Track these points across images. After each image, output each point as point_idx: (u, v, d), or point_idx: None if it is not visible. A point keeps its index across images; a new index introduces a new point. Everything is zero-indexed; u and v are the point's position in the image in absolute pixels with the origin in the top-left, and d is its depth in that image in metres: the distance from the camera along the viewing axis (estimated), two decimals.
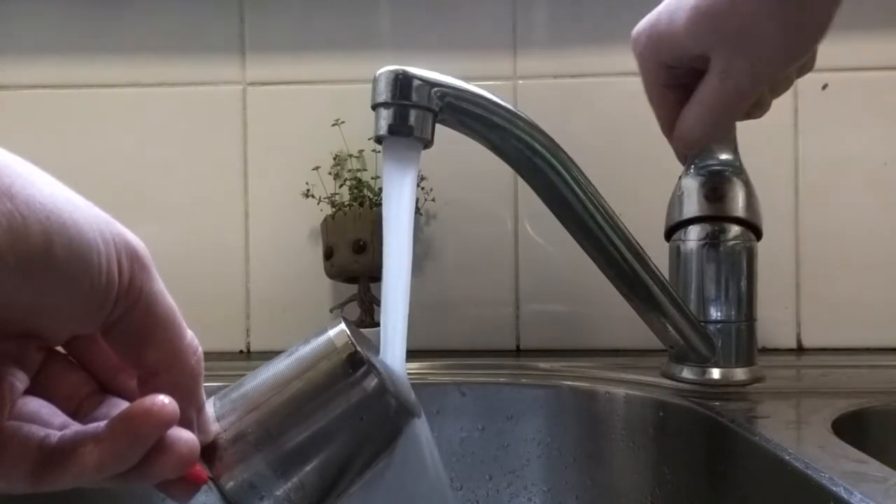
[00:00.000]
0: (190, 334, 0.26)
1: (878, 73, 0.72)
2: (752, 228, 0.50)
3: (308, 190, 0.72)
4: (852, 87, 0.71)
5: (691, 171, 0.51)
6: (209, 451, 0.28)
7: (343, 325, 0.30)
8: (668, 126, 0.48)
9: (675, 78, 0.46)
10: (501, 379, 0.59)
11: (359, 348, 0.29)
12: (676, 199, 0.51)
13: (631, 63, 0.71)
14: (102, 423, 0.25)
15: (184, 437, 0.25)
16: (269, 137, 0.75)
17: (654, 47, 0.45)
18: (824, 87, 0.69)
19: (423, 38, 0.74)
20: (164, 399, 0.24)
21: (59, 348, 0.27)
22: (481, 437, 0.58)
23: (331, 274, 0.68)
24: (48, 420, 0.26)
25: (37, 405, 0.26)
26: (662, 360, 0.54)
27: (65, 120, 0.75)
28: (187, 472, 0.26)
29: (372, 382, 0.29)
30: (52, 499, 0.54)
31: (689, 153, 0.49)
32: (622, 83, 0.72)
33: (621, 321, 0.61)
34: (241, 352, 0.74)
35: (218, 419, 0.29)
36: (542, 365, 0.64)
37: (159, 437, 0.24)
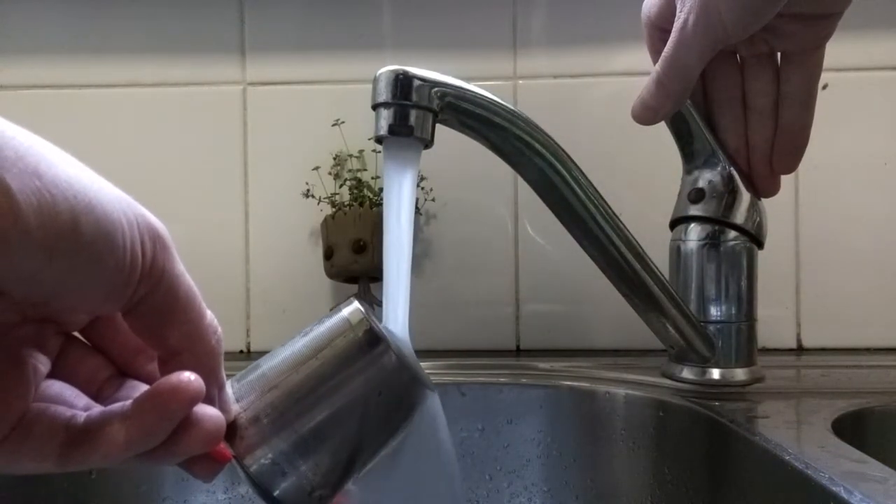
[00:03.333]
0: (210, 314, 0.26)
1: (879, 73, 0.72)
2: (754, 239, 0.51)
3: (308, 190, 0.72)
4: (852, 86, 0.71)
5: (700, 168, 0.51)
6: (230, 431, 0.28)
7: (357, 304, 0.31)
8: None
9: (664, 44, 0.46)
10: (501, 379, 0.59)
11: (374, 325, 0.30)
12: (684, 194, 0.52)
13: (630, 63, 0.71)
14: (128, 402, 0.25)
15: (209, 412, 0.26)
16: (269, 137, 0.75)
17: (646, 9, 0.48)
18: (824, 87, 0.69)
19: (424, 38, 0.74)
20: (189, 375, 0.24)
21: (77, 334, 0.28)
22: (481, 438, 0.58)
23: (331, 274, 0.68)
24: (72, 402, 0.26)
25: (60, 387, 0.26)
26: (662, 360, 0.54)
27: (65, 120, 0.75)
28: (212, 451, 0.26)
29: (389, 358, 0.29)
30: (51, 499, 0.54)
31: (649, 115, 0.48)
32: (622, 83, 0.72)
33: (621, 321, 0.61)
34: (241, 352, 0.74)
35: (237, 400, 0.29)
36: (542, 365, 0.64)
37: (185, 414, 0.25)
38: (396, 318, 0.34)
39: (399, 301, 0.35)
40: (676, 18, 0.44)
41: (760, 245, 0.51)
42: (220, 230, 0.75)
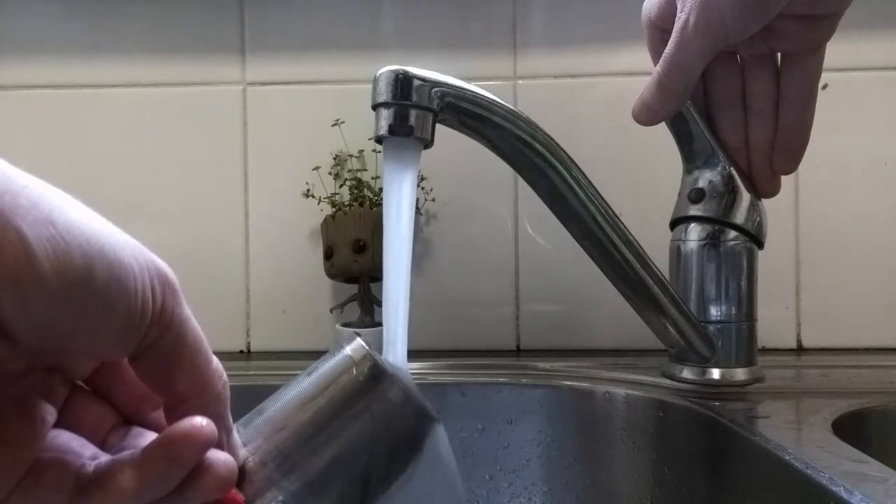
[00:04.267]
0: (216, 360, 0.26)
1: (878, 73, 0.72)
2: (754, 239, 0.51)
3: (308, 190, 0.72)
4: (852, 87, 0.71)
5: (701, 168, 0.51)
6: (239, 476, 0.28)
7: (359, 340, 0.31)
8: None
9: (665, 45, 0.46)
10: (501, 379, 0.59)
11: (378, 360, 0.30)
12: (685, 194, 0.51)
13: (630, 63, 0.71)
14: (138, 450, 0.25)
15: (221, 458, 0.25)
16: (269, 137, 0.75)
17: (647, 10, 0.48)
18: (824, 86, 0.69)
19: (424, 38, 0.74)
20: (201, 421, 0.24)
21: (81, 383, 0.28)
22: (481, 438, 0.58)
23: (331, 274, 0.68)
24: (79, 451, 0.26)
25: (67, 437, 0.26)
26: (662, 360, 0.54)
27: (65, 120, 0.75)
28: (223, 496, 0.26)
29: (395, 393, 0.29)
30: None
31: (650, 116, 0.48)
32: (622, 83, 0.72)
33: (621, 321, 0.61)
34: (241, 352, 0.74)
35: (244, 445, 0.29)
36: (542, 365, 0.64)
37: (198, 460, 0.25)
38: (396, 347, 0.34)
39: (398, 330, 0.34)
40: (677, 19, 0.44)
41: (760, 245, 0.51)
42: (220, 230, 0.75)
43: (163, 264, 0.24)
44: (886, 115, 0.72)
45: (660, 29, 0.47)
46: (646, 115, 0.47)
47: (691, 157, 0.51)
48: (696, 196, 0.50)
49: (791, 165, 0.49)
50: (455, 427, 0.58)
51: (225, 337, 0.74)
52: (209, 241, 0.74)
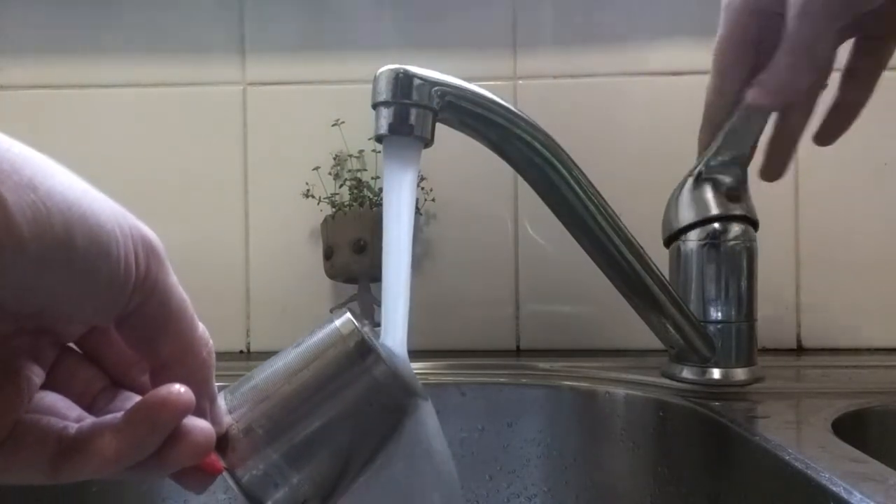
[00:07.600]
0: (201, 327, 0.26)
1: None
2: (751, 222, 0.50)
3: (308, 190, 0.72)
4: None
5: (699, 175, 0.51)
6: (222, 443, 0.28)
7: (349, 315, 0.31)
8: (730, 84, 0.47)
9: (760, 31, 0.44)
10: (501, 379, 0.59)
11: (365, 336, 0.30)
12: (676, 204, 0.51)
13: (630, 63, 0.71)
14: (119, 414, 0.25)
15: (199, 425, 0.26)
16: (269, 137, 0.75)
17: None
18: (824, 87, 0.69)
19: (424, 38, 0.74)
20: (179, 388, 0.25)
21: (72, 345, 0.28)
22: (481, 438, 0.58)
23: (331, 274, 0.68)
24: (65, 413, 0.26)
25: (53, 399, 0.26)
26: (662, 360, 0.54)
27: (65, 120, 0.75)
28: (203, 463, 0.26)
29: (380, 368, 0.29)
30: (51, 497, 0.54)
31: (765, 106, 0.46)
32: (622, 83, 0.72)
33: (621, 321, 0.61)
34: (241, 352, 0.74)
35: (230, 412, 0.29)
36: (542, 365, 0.64)
37: (176, 426, 0.25)
38: (395, 334, 0.34)
39: (398, 317, 0.34)
40: (788, 19, 0.41)
41: (756, 226, 0.51)
42: (220, 230, 0.75)
43: (148, 231, 0.24)
44: (886, 115, 0.72)
45: (756, 13, 0.44)
46: (778, 99, 0.45)
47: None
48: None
49: (830, 139, 0.49)
50: (455, 427, 0.58)
51: (225, 337, 0.74)
52: (209, 241, 0.74)
